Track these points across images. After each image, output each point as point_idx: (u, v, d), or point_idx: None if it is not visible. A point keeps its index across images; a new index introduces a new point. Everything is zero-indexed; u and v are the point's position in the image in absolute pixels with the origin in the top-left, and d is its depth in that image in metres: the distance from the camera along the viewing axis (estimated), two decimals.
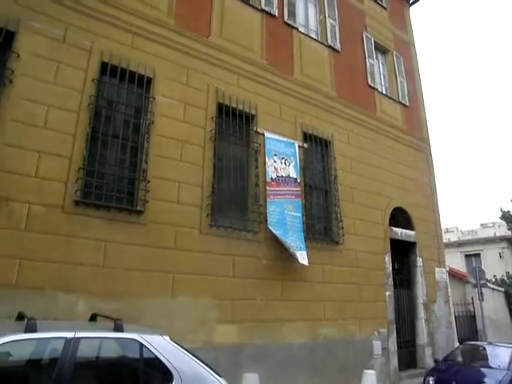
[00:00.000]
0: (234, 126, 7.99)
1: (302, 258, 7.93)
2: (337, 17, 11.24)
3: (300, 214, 8.31)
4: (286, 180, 8.36)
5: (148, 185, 6.43)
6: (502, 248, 31.30)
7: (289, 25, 9.84)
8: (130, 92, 6.85)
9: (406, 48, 13.94)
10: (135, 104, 6.86)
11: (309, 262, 8.01)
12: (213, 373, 3.50)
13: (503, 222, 32.82)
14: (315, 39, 10.55)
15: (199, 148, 7.32)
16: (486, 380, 7.28)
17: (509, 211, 34.12)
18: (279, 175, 8.30)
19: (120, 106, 6.71)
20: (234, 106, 8.00)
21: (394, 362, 9.57)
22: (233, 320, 6.92)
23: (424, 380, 8.04)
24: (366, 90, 11.46)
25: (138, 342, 3.29)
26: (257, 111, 8.38)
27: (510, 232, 31.73)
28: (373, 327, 9.26)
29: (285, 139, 8.67)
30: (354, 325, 8.87)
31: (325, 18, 10.96)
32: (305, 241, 8.17)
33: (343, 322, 8.65)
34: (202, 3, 8.33)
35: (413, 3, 15.08)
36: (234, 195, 7.78)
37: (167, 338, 3.48)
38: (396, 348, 9.71)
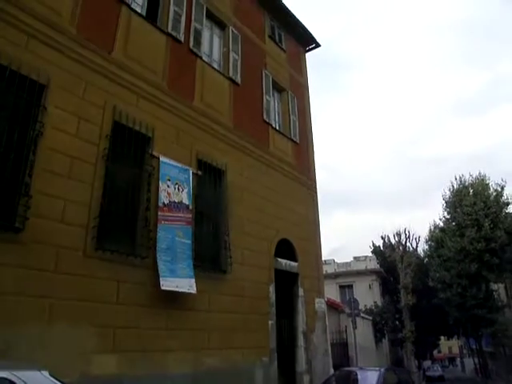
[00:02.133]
0: (129, 146, 7.71)
1: (190, 285, 7.83)
2: (240, 52, 11.66)
3: (190, 241, 8.22)
4: (179, 206, 8.26)
5: (30, 201, 5.88)
6: (372, 280, 34.11)
7: (193, 52, 9.95)
8: (19, 98, 6.25)
9: (300, 89, 14.90)
10: (23, 112, 6.27)
11: (195, 290, 7.93)
12: None
13: (374, 256, 35.92)
14: (217, 70, 10.80)
15: (90, 166, 6.93)
16: None
17: (379, 246, 37.49)
18: (172, 200, 8.17)
19: (5, 112, 6.09)
20: (130, 126, 7.76)
21: None
22: (114, 350, 6.53)
23: None
24: (261, 125, 11.94)
25: (8, 381, 2.85)
26: (153, 134, 8.21)
27: (378, 265, 34.78)
28: (256, 356, 9.38)
29: (179, 165, 8.60)
30: (238, 354, 8.90)
31: (228, 51, 11.30)
32: (194, 269, 8.08)
33: (227, 352, 8.63)
34: (107, 17, 8.05)
35: (309, 50, 16.31)
36: (124, 218, 7.47)
37: (46, 373, 3.11)
38: (277, 376, 9.92)
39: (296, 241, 12.04)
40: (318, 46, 16.29)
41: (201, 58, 10.18)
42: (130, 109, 7.89)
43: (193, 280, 7.91)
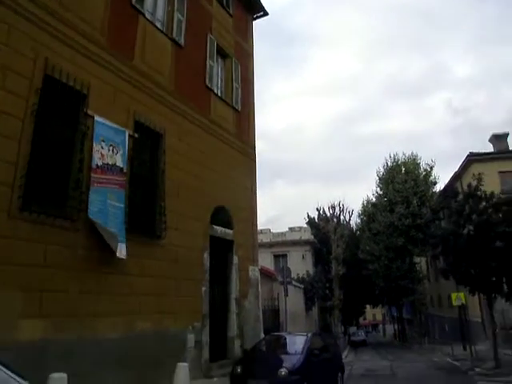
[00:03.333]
0: (62, 103, 7.31)
1: (120, 250, 7.69)
2: (185, 13, 11.23)
3: (122, 205, 8.03)
4: (112, 168, 8.00)
5: None
6: (305, 250, 35.33)
7: (136, 8, 9.44)
8: None
9: (245, 57, 14.72)
10: None
11: (128, 255, 7.83)
12: (15, 377, 3.05)
13: (308, 227, 37.12)
14: (161, 30, 10.36)
15: (18, 121, 6.47)
16: (284, 364, 8.15)
17: (314, 218, 38.70)
18: (105, 162, 7.89)
19: None
20: (64, 81, 7.30)
21: (206, 354, 9.98)
22: (40, 314, 6.32)
23: (233, 369, 8.61)
24: (203, 90, 11.72)
25: None
26: (89, 92, 7.80)
27: (312, 236, 36.04)
28: (188, 321, 9.50)
29: (115, 126, 8.28)
30: (170, 319, 8.97)
31: (173, 10, 10.85)
32: (126, 233, 7.94)
33: (159, 316, 8.67)
34: None
35: (256, 18, 16.05)
36: (54, 178, 7.14)
37: None
38: (208, 340, 10.13)
39: (233, 209, 12.13)
40: (266, 14, 16.07)
41: (144, 15, 9.70)
42: (64, 63, 7.39)
43: (123, 245, 7.78)
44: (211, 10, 12.88)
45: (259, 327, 13.04)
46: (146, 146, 9.34)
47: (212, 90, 12.12)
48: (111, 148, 8.04)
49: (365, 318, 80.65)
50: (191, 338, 9.50)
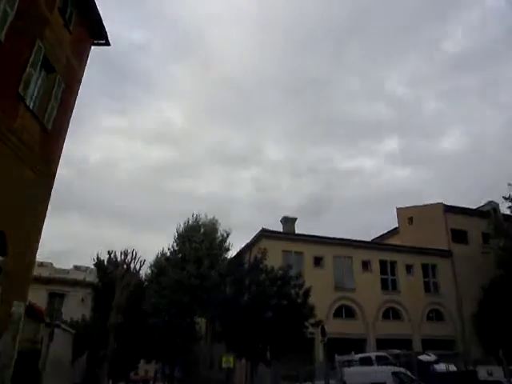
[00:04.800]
0: None
1: None
2: (16, 6, 10.07)
3: None
4: None
5: None
6: (87, 293, 33.03)
7: None
8: None
9: (73, 78, 13.82)
10: None
11: None
12: None
13: (96, 269, 35.06)
14: None
15: None
16: None
17: (103, 261, 36.88)
18: None
19: None
20: None
21: None
22: None
23: None
24: (12, 97, 10.47)
25: None
26: None
27: (97, 279, 34.07)
28: None
29: None
30: None
31: None
32: None
33: None
34: None
35: (97, 44, 15.49)
36: None
37: None
38: None
39: (12, 233, 10.57)
40: (108, 44, 15.63)
41: None
42: None
43: None
44: (49, 18, 11.92)
45: (8, 375, 11.27)
46: None
47: (24, 100, 10.92)
48: None
49: (137, 374, 77.57)
50: None
